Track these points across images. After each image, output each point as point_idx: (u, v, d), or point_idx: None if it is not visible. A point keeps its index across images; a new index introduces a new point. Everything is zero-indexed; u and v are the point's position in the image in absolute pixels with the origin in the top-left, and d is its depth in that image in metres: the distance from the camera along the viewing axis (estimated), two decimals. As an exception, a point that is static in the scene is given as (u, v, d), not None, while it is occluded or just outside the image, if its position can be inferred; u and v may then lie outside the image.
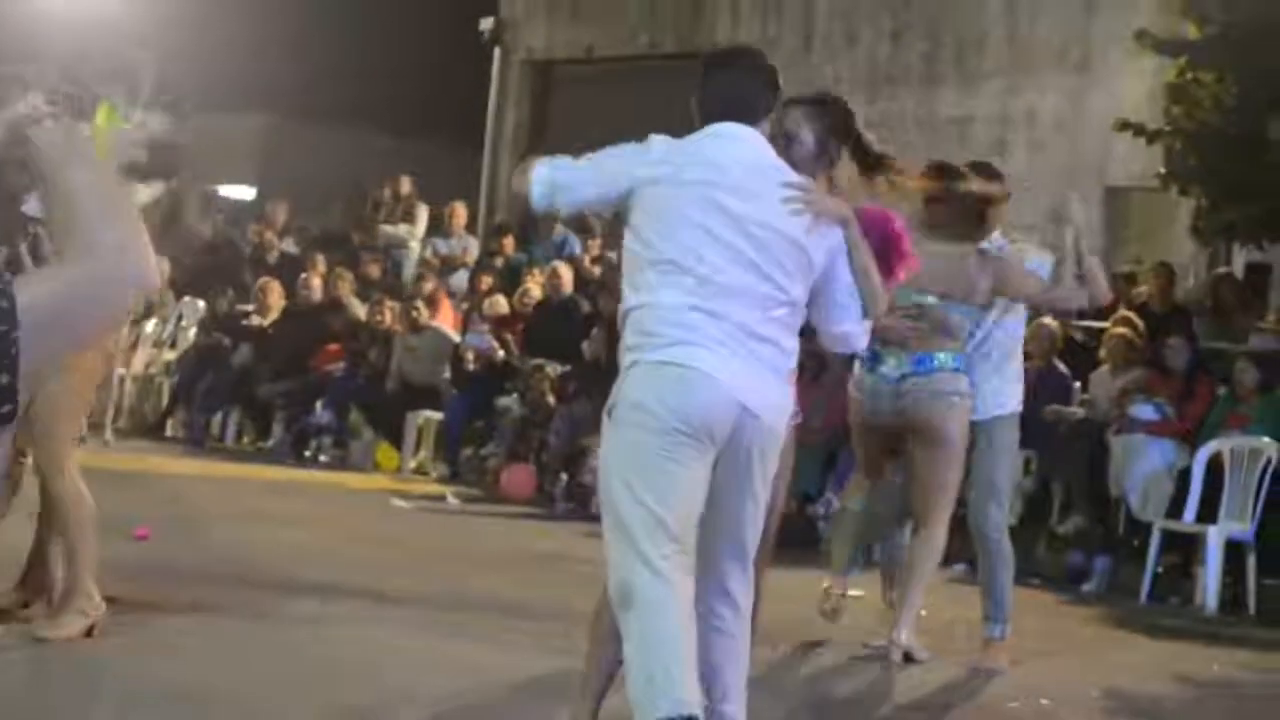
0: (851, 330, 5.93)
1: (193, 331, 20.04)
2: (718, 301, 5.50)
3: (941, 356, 8.65)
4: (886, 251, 6.32)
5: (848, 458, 13.60)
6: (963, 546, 10.64)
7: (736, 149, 5.74)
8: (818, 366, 10.36)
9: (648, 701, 5.27)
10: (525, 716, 7.22)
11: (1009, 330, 9.32)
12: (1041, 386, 13.73)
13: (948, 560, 12.52)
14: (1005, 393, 9.24)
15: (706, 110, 5.86)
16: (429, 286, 18.97)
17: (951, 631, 9.89)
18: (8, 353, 2.32)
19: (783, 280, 5.61)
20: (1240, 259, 18.36)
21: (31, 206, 2.66)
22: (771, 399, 5.63)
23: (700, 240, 5.53)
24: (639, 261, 5.62)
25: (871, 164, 6.34)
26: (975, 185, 8.62)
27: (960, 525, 9.54)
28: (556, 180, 5.86)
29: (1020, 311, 9.42)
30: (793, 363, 5.76)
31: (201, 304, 20.41)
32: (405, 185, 22.18)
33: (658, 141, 5.74)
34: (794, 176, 5.78)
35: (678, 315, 5.49)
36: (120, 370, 17.15)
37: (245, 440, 19.30)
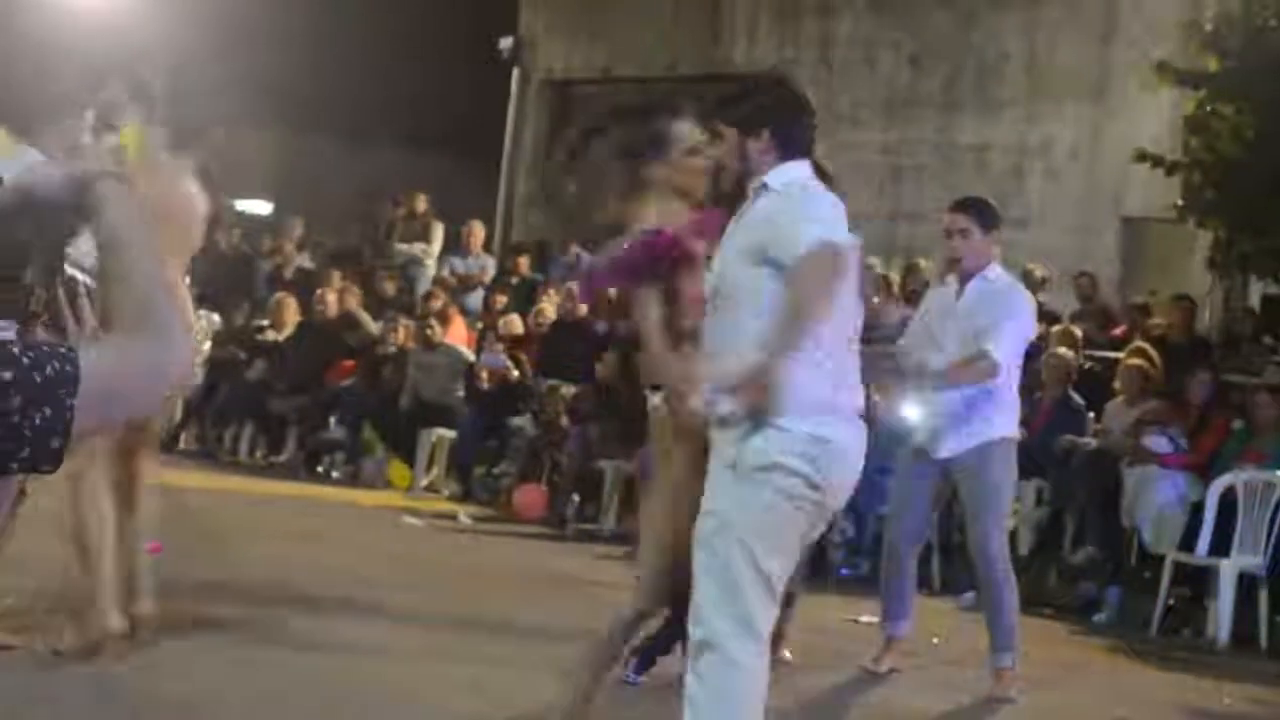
0: None
1: (207, 345, 20.06)
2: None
3: None
4: None
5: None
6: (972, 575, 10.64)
7: None
8: None
9: None
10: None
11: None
12: (1056, 416, 13.74)
13: (959, 589, 12.56)
14: (994, 421, 9.25)
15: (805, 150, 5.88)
16: (438, 304, 18.96)
17: (964, 661, 9.88)
18: (63, 417, 2.37)
19: None
20: (1257, 291, 18.35)
21: (81, 251, 2.70)
22: None
23: None
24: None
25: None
26: None
27: (965, 553, 9.56)
28: None
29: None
30: None
31: (217, 318, 20.44)
32: (421, 203, 22.20)
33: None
34: None
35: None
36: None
37: (258, 455, 19.31)
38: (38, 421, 2.35)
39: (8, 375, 2.33)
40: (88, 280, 2.60)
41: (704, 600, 5.44)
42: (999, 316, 9.12)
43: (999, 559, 9.18)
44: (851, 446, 5.50)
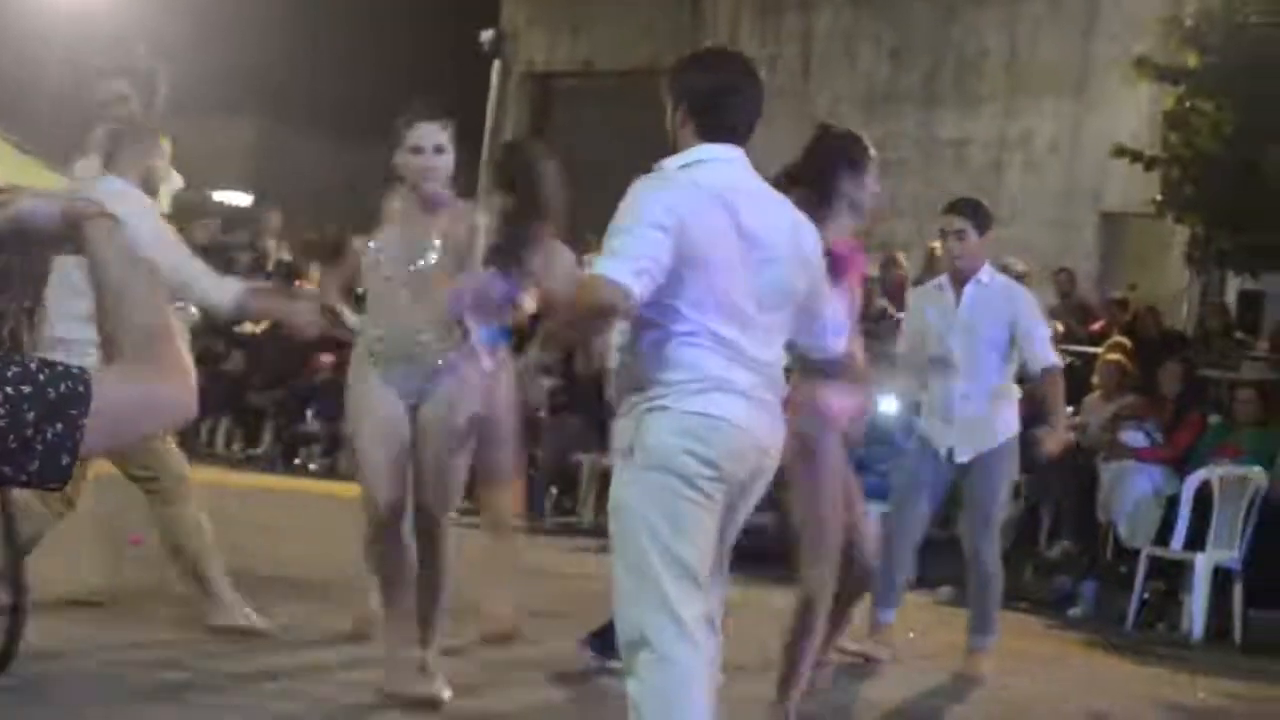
0: None
1: (186, 337, 20.01)
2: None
3: None
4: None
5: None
6: (950, 569, 10.70)
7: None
8: None
9: None
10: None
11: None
12: (1033, 411, 13.75)
13: (934, 583, 12.59)
14: (1010, 420, 9.46)
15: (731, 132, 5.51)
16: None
17: (939, 655, 9.90)
18: (73, 435, 2.43)
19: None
20: (1234, 287, 18.40)
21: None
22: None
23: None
24: None
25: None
26: None
27: (945, 548, 9.65)
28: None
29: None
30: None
31: (195, 310, 20.36)
32: (401, 195, 22.15)
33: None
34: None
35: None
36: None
37: (235, 447, 19.28)
38: (49, 437, 2.41)
39: (26, 389, 2.40)
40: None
41: (624, 596, 5.23)
42: (1028, 326, 9.34)
43: (996, 549, 9.44)
44: (748, 423, 5.24)
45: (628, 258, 5.09)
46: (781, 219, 5.46)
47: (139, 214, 7.38)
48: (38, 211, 2.61)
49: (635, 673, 5.17)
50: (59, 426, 2.41)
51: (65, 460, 2.43)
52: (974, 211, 9.56)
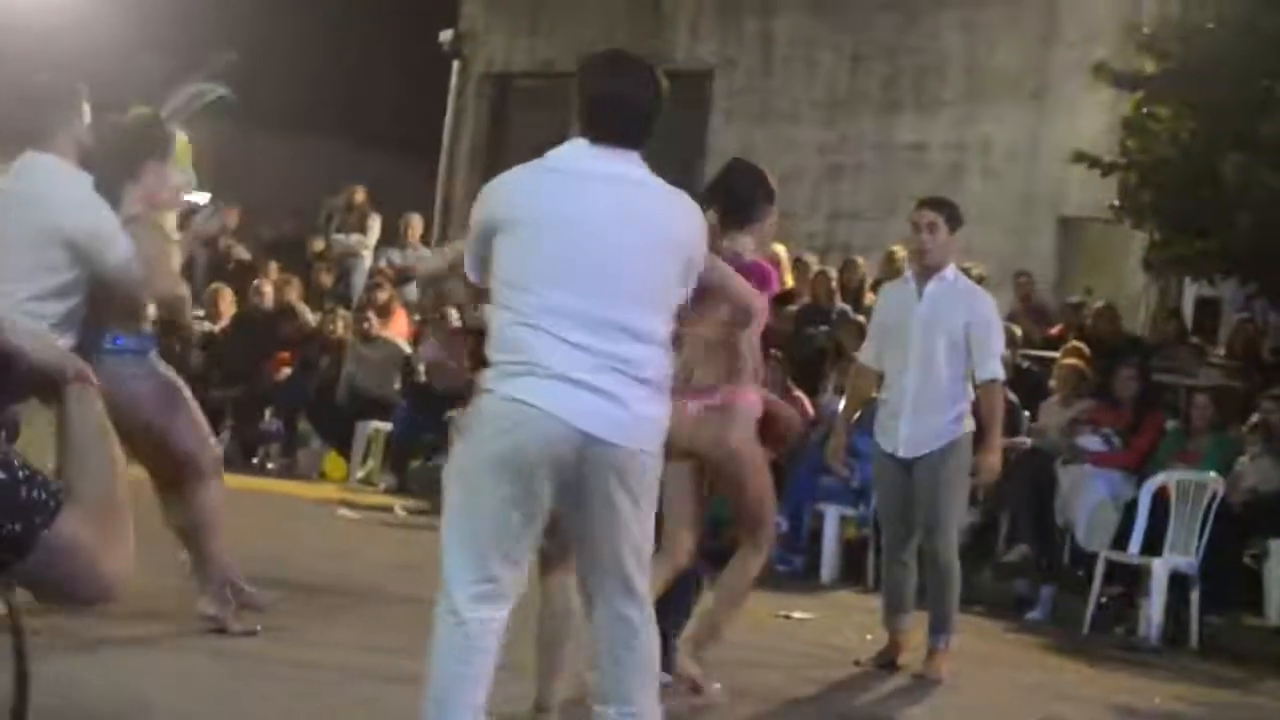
0: None
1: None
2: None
3: None
4: None
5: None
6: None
7: None
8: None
9: None
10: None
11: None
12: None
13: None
14: (962, 419, 9.48)
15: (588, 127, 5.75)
16: (384, 296, 18.89)
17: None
18: (30, 542, 2.46)
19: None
20: (1191, 293, 18.47)
21: None
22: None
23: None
24: None
25: None
26: None
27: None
28: None
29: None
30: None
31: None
32: (360, 195, 22.10)
33: None
34: None
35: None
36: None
37: (192, 445, 19.19)
38: (4, 532, 2.42)
39: (2, 475, 2.43)
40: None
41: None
42: (983, 334, 9.36)
43: (952, 547, 9.51)
44: (561, 408, 5.30)
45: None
46: (637, 201, 5.52)
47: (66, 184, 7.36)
48: (26, 354, 2.62)
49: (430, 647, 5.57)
50: (17, 527, 2.43)
51: (8, 558, 2.44)
52: (949, 209, 9.62)
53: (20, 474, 2.45)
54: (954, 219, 9.56)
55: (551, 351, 5.27)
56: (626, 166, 5.51)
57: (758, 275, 7.20)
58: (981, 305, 9.59)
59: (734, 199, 7.70)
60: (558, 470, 5.32)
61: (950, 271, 9.56)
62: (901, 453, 9.49)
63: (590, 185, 5.43)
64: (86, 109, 7.65)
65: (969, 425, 9.55)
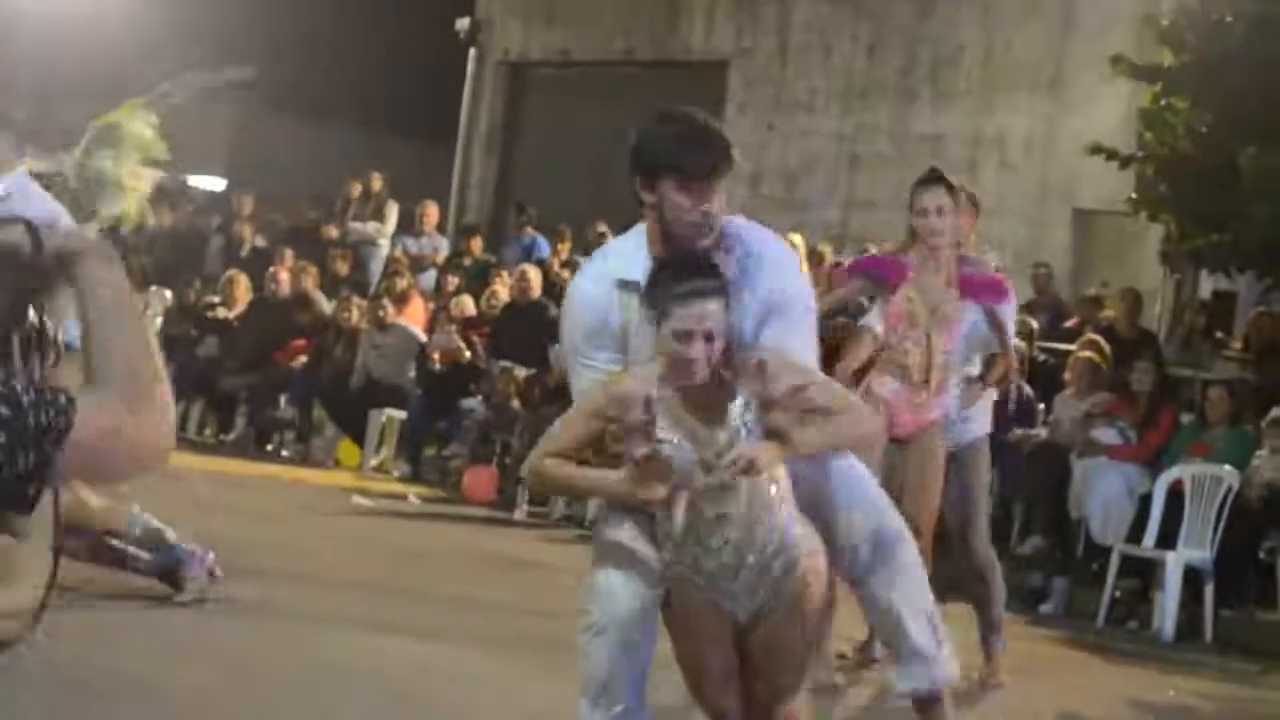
0: None
1: (159, 321, 19.96)
2: None
3: None
4: None
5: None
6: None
7: None
8: None
9: None
10: (479, 714, 7.21)
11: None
12: (1006, 407, 13.77)
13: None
14: (974, 417, 9.33)
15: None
16: (401, 284, 18.90)
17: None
18: (45, 471, 2.42)
19: None
20: (1207, 286, 18.43)
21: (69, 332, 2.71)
22: None
23: None
24: None
25: None
26: None
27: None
28: None
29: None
30: None
31: (169, 294, 20.34)
32: (377, 182, 22.09)
33: None
34: None
35: None
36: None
37: (208, 432, 19.24)
38: (19, 465, 2.39)
39: (4, 412, 2.38)
40: (62, 336, 2.62)
41: None
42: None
43: (986, 542, 9.38)
44: None
45: None
46: None
47: None
48: (26, 243, 2.58)
49: None
50: (31, 457, 2.39)
51: (31, 490, 2.41)
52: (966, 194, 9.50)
53: (24, 401, 2.40)
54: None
55: None
56: None
57: None
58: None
59: None
60: None
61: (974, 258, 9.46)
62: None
63: None
64: None
65: (987, 425, 9.46)
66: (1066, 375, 14.28)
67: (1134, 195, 15.97)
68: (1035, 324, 15.24)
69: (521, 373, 16.80)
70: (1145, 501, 12.76)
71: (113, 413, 2.50)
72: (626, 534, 5.16)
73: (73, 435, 2.42)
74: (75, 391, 2.49)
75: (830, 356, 6.83)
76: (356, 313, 18.52)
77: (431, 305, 19.30)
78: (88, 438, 2.44)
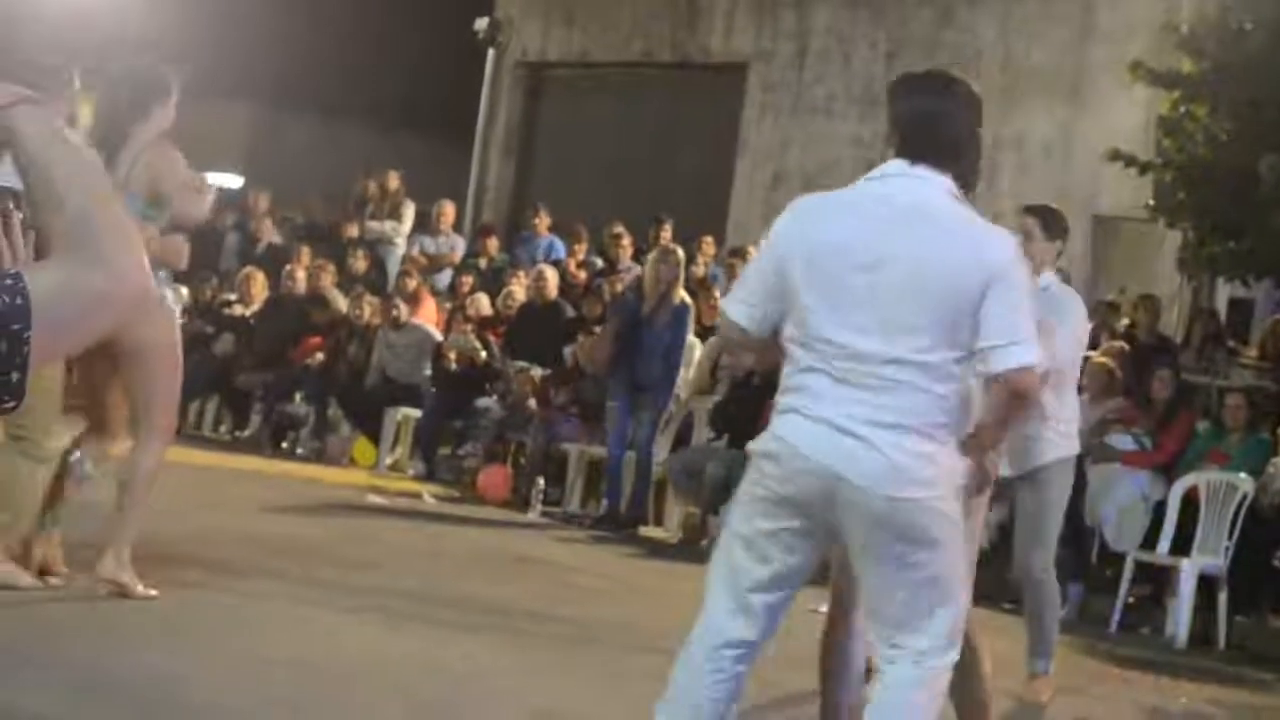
0: None
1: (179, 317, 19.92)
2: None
3: None
4: None
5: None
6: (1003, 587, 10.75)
7: None
8: None
9: None
10: (485, 712, 7.22)
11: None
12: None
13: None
14: (1045, 439, 9.14)
15: None
16: (412, 284, 18.91)
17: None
18: (20, 351, 2.32)
19: None
20: (1224, 294, 18.41)
21: (5, 176, 2.61)
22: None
23: None
24: None
25: None
26: None
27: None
28: None
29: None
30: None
31: (185, 290, 20.35)
32: (394, 181, 22.07)
33: None
34: None
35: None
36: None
37: (223, 429, 19.26)
38: None
39: None
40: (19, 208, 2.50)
41: None
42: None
43: (1041, 571, 9.27)
44: (811, 448, 5.16)
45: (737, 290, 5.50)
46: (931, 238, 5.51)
47: None
48: None
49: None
50: (3, 346, 2.31)
51: (16, 378, 2.33)
52: (1046, 215, 9.32)
53: None
54: (1051, 226, 9.24)
55: (818, 390, 5.22)
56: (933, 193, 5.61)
57: None
58: (1061, 307, 9.23)
59: None
60: (813, 509, 5.25)
61: (1045, 278, 9.14)
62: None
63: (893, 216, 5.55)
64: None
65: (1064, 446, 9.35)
66: (1082, 381, 14.25)
67: (1152, 202, 15.95)
68: (1053, 329, 15.21)
69: (537, 373, 16.82)
70: (1160, 508, 12.75)
71: (69, 272, 2.40)
72: None
73: (59, 319, 2.34)
74: (44, 268, 2.40)
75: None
76: (369, 310, 18.52)
77: (448, 305, 19.30)
78: (47, 313, 2.34)
